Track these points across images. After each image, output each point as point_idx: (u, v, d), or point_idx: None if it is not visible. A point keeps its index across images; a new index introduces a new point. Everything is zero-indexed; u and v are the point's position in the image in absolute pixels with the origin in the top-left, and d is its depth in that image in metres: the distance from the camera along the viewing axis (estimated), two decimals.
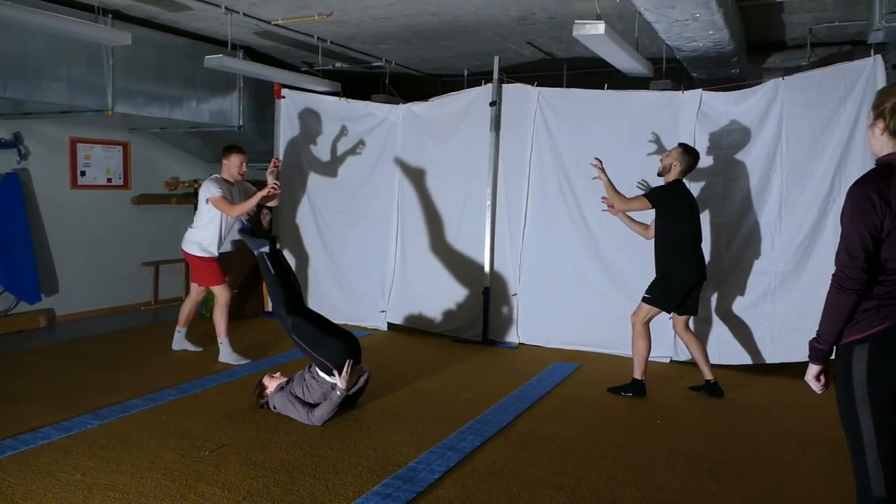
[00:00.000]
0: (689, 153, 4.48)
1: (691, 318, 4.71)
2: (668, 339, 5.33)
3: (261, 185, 5.41)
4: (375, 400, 4.39)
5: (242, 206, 5.10)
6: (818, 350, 2.26)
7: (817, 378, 2.30)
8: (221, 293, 5.35)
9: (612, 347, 5.58)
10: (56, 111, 6.04)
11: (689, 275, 4.45)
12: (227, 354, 5.25)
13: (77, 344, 5.85)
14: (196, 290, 5.47)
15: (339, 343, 4.04)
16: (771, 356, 5.10)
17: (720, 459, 3.56)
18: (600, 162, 4.66)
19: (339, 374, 3.91)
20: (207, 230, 5.24)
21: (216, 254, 5.33)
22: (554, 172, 5.77)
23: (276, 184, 5.22)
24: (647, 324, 4.54)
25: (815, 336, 2.27)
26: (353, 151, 6.60)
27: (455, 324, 6.12)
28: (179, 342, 5.56)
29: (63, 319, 6.79)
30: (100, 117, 6.14)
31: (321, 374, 4.00)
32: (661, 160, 4.59)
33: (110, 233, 7.23)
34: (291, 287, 4.30)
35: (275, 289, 4.25)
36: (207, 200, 5.15)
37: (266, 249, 4.31)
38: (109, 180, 7.26)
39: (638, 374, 4.59)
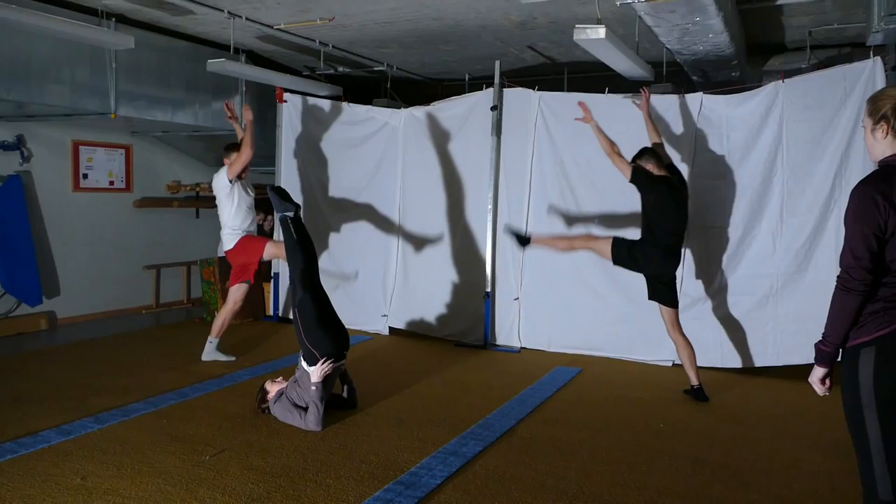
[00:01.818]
0: (643, 154, 4.51)
1: (680, 318, 4.64)
2: (669, 343, 5.29)
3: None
4: (377, 404, 4.36)
5: (247, 139, 5.23)
6: (824, 353, 2.23)
7: (822, 381, 2.27)
8: (239, 297, 5.29)
9: (614, 351, 5.54)
10: (59, 114, 6.03)
11: (655, 266, 4.44)
12: (210, 353, 5.28)
13: (78, 347, 5.81)
14: (233, 299, 5.30)
15: (327, 337, 4.01)
16: (774, 359, 5.07)
17: (723, 463, 3.53)
18: (586, 107, 4.68)
19: (320, 364, 3.89)
20: (237, 216, 5.26)
21: (253, 229, 5.37)
22: (555, 176, 5.74)
23: (246, 110, 5.42)
24: (677, 328, 4.53)
25: (820, 338, 2.24)
26: (354, 155, 6.58)
27: (456, 328, 6.09)
28: (211, 353, 5.34)
29: (64, 322, 6.76)
30: (102, 120, 6.13)
31: (304, 363, 3.98)
32: None
33: (112, 235, 7.21)
34: (310, 257, 4.23)
35: (294, 254, 4.19)
36: (226, 177, 5.24)
37: (291, 214, 4.25)
38: (111, 183, 7.24)
39: (694, 381, 4.56)
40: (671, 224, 4.40)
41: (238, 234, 5.27)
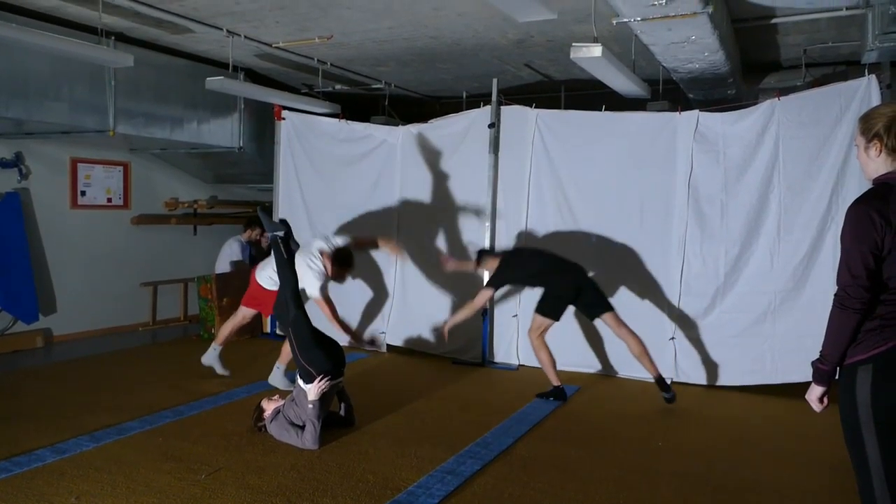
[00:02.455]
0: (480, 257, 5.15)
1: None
2: (668, 360, 5.29)
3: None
4: (374, 422, 4.34)
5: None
6: (821, 371, 2.22)
7: (820, 400, 2.26)
8: (248, 314, 5.30)
9: (612, 369, 5.54)
10: (57, 131, 6.05)
11: (564, 301, 4.92)
12: (213, 359, 5.27)
13: (74, 364, 5.79)
14: (242, 315, 5.27)
15: (323, 354, 4.01)
16: (771, 377, 5.06)
17: (722, 482, 3.51)
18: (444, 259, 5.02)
19: (317, 382, 3.88)
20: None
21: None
22: (552, 193, 5.76)
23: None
24: (540, 334, 4.89)
25: (817, 356, 2.23)
26: (352, 172, 6.59)
27: (454, 345, 6.07)
28: (212, 359, 5.31)
29: (60, 339, 6.74)
30: (101, 138, 6.14)
31: (300, 381, 3.97)
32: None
33: (109, 253, 7.21)
34: (297, 277, 4.30)
35: (285, 273, 4.23)
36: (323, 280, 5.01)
37: (281, 234, 4.33)
38: (109, 200, 7.25)
39: (555, 382, 4.90)
40: (542, 276, 4.91)
41: (270, 283, 5.08)
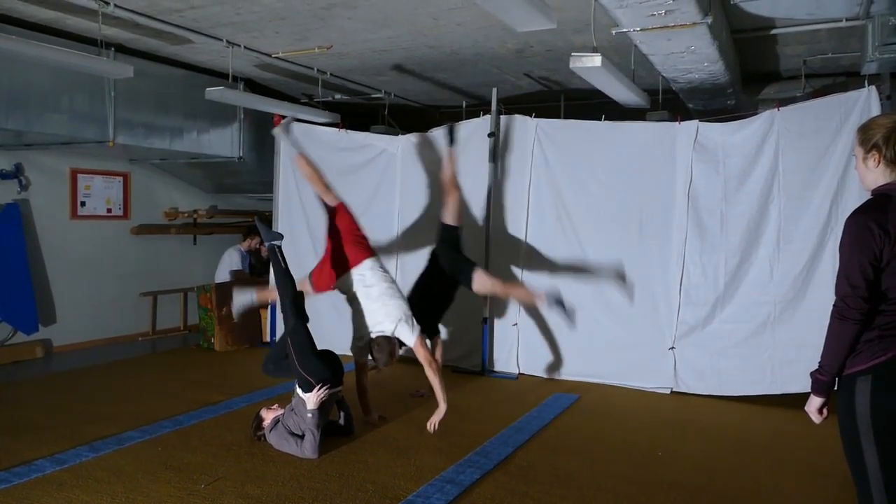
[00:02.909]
0: None
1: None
2: (668, 370, 5.30)
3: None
4: (373, 431, 4.35)
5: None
6: (820, 382, 2.23)
7: (819, 410, 2.27)
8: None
9: (612, 378, 5.54)
10: (57, 142, 6.08)
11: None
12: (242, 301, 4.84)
13: (74, 375, 5.81)
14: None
15: (322, 363, 4.03)
16: (771, 387, 5.06)
17: (722, 492, 3.51)
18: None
19: (316, 391, 3.89)
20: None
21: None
22: (552, 202, 5.79)
23: None
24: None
25: (816, 367, 2.24)
26: (352, 181, 6.62)
27: (454, 354, 6.08)
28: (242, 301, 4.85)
29: (60, 350, 6.75)
30: (100, 148, 6.18)
31: (299, 391, 3.98)
32: None
33: (109, 263, 7.23)
34: (295, 286, 4.33)
35: (284, 282, 4.24)
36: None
37: (279, 243, 4.35)
38: (109, 210, 7.28)
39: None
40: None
41: None
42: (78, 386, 5.41)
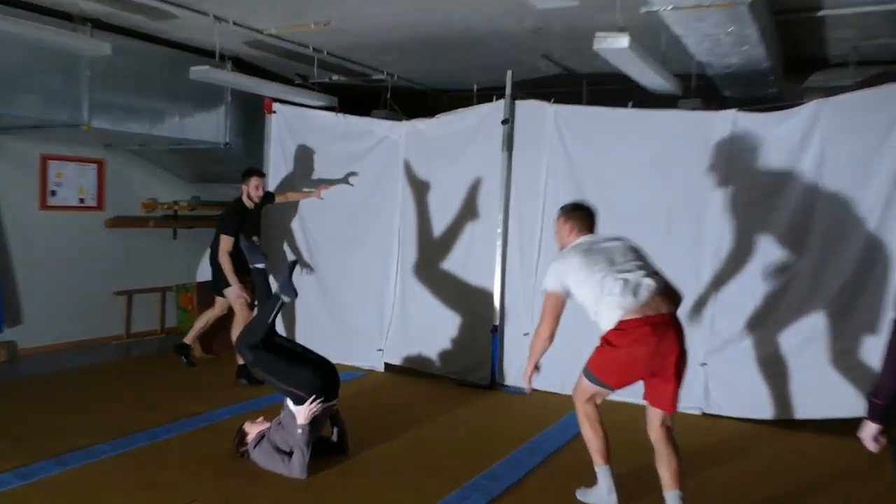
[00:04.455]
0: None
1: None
2: (698, 389, 5.29)
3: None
4: (369, 449, 4.37)
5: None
6: (876, 406, 2.19)
7: (875, 438, 2.23)
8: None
9: (636, 396, 5.50)
10: (27, 125, 6.11)
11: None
12: None
13: (40, 381, 5.85)
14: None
15: (311, 371, 4.08)
16: (817, 411, 5.01)
17: None
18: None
19: (308, 403, 3.92)
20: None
21: None
22: (571, 198, 5.74)
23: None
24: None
25: (871, 389, 2.21)
26: (350, 172, 6.65)
27: (460, 365, 6.11)
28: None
29: (26, 353, 6.80)
30: (74, 132, 6.21)
31: (290, 403, 4.01)
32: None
33: (81, 258, 7.27)
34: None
35: (267, 308, 4.35)
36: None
37: (263, 266, 4.63)
38: (82, 201, 7.32)
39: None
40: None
41: None
42: (45, 393, 5.45)
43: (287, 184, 6.83)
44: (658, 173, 5.47)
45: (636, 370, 3.53)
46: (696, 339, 5.35)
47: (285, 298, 4.28)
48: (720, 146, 5.34)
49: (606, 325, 3.52)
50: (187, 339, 6.41)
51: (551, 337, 3.67)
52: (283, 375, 4.05)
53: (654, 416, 3.59)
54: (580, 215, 3.86)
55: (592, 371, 3.63)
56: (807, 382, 5.05)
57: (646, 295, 3.44)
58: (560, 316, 3.65)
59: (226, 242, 5.75)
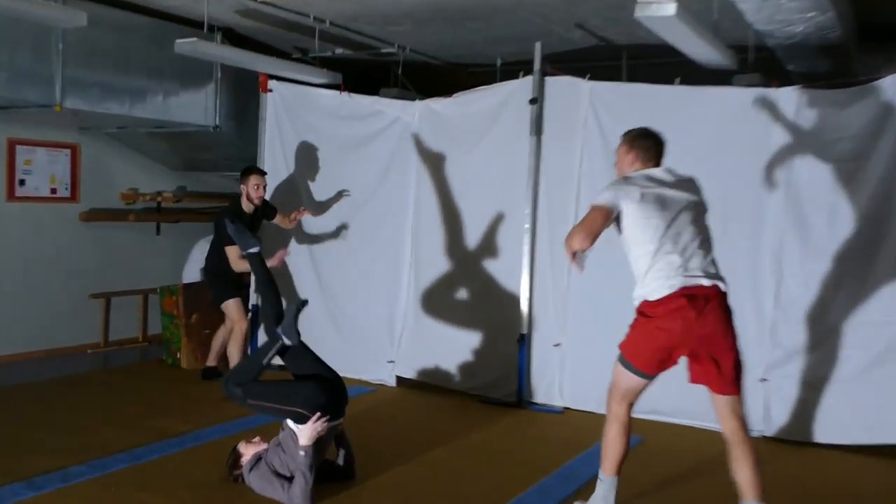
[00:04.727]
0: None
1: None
2: (756, 408, 5.24)
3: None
4: (379, 475, 4.37)
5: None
6: None
7: None
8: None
9: (683, 416, 5.49)
10: None
11: None
12: None
13: (7, 394, 5.91)
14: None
15: (314, 385, 4.09)
16: (894, 435, 4.97)
17: None
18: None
19: (312, 422, 3.92)
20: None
21: None
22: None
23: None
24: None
25: None
26: (356, 159, 6.64)
27: (482, 380, 6.09)
28: None
29: None
30: (45, 114, 6.26)
31: (290, 422, 4.01)
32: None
33: (52, 256, 7.33)
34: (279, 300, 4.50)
35: (269, 293, 4.43)
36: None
37: (256, 250, 4.65)
38: (54, 191, 7.37)
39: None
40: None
41: None
42: (13, 407, 5.50)
43: (286, 180, 6.84)
44: (710, 161, 5.40)
45: (670, 347, 3.56)
46: (755, 352, 5.30)
47: (286, 341, 4.25)
48: (782, 129, 5.29)
49: (645, 292, 3.58)
50: (210, 362, 6.51)
51: (583, 250, 3.57)
52: (282, 397, 4.05)
53: (720, 405, 3.64)
54: (646, 144, 3.86)
55: (624, 353, 3.69)
56: (887, 401, 4.97)
57: (697, 274, 3.49)
58: (596, 238, 3.57)
59: (234, 253, 5.72)
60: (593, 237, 3.52)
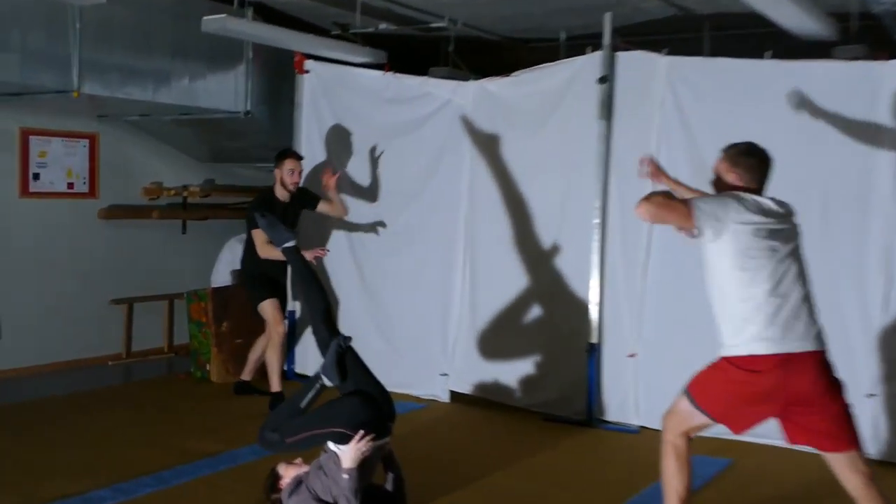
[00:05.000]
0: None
1: None
2: (864, 425, 5.11)
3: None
4: (434, 501, 4.39)
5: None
6: None
7: None
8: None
9: (778, 436, 5.38)
10: (3, 93, 6.28)
11: None
12: None
13: (22, 410, 6.03)
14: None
15: (359, 400, 4.10)
16: None
17: None
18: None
19: (355, 442, 3.94)
20: None
21: None
22: (691, 178, 5.68)
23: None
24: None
25: None
26: (403, 147, 6.67)
27: (546, 395, 6.09)
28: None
29: (4, 376, 6.97)
30: (61, 101, 6.36)
31: (331, 443, 4.03)
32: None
33: (69, 257, 7.45)
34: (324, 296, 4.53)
35: (314, 292, 4.43)
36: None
37: (293, 244, 4.62)
38: (71, 186, 7.50)
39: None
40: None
41: None
42: (28, 425, 5.60)
43: (322, 166, 6.88)
44: (808, 145, 5.36)
45: (753, 403, 3.47)
46: (860, 364, 5.23)
47: (326, 382, 4.25)
48: (890, 108, 5.20)
49: (737, 343, 3.47)
50: (244, 376, 6.59)
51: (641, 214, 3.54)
52: (320, 420, 4.07)
53: (835, 464, 3.52)
54: (751, 163, 3.70)
55: (692, 392, 3.60)
56: None
57: (802, 336, 3.39)
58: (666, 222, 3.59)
59: (260, 237, 5.72)
60: (656, 220, 3.55)
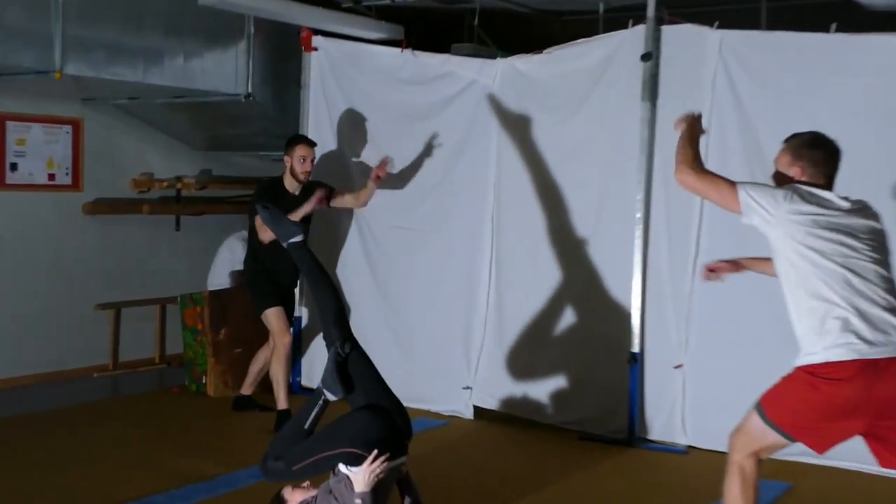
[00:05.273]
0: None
1: None
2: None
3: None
4: None
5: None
6: None
7: None
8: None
9: (841, 458, 5.37)
10: None
11: None
12: None
13: (1, 426, 6.07)
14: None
15: (371, 417, 4.12)
16: None
17: None
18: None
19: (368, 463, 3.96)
20: None
21: None
22: (745, 165, 5.69)
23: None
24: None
25: None
26: (423, 132, 6.69)
27: (582, 411, 6.10)
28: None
29: None
30: (41, 82, 6.41)
31: (342, 466, 4.06)
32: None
33: (49, 257, 7.47)
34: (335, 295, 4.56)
35: (324, 290, 4.47)
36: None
37: (299, 239, 4.61)
38: (52, 177, 7.53)
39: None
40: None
41: None
42: (4, 444, 5.64)
43: (333, 155, 6.92)
44: (879, 128, 5.34)
45: (837, 416, 3.44)
46: None
47: (330, 396, 4.27)
48: None
49: (816, 350, 3.44)
50: (244, 390, 6.65)
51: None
52: (328, 441, 4.10)
53: None
54: (816, 156, 3.69)
55: (765, 406, 3.56)
56: None
57: (883, 338, 3.36)
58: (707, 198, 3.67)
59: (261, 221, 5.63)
60: (696, 193, 3.69)
